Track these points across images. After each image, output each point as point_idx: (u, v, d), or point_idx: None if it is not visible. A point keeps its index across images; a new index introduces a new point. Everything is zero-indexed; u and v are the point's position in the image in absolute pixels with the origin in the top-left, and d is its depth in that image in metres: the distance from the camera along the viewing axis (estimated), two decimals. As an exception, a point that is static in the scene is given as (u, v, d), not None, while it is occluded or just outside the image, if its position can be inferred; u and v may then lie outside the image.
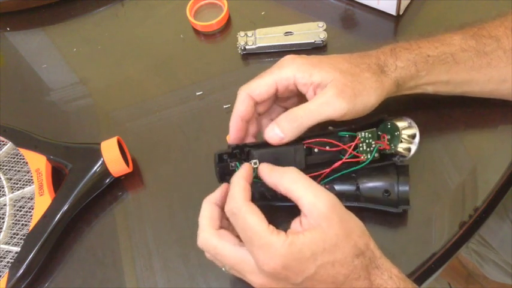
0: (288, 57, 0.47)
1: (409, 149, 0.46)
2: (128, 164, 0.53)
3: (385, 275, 0.39)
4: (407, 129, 0.46)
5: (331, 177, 0.47)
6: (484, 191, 0.49)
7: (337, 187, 0.48)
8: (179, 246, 0.50)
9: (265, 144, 0.46)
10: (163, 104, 0.60)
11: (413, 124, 0.46)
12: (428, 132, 0.53)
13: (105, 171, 0.52)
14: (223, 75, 0.61)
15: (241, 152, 0.46)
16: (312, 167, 0.46)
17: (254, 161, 0.45)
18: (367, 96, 0.45)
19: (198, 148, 0.56)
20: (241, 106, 0.46)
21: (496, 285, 0.96)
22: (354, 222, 0.40)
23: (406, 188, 0.46)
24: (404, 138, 0.46)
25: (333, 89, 0.44)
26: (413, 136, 0.46)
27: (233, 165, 0.46)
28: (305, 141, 0.46)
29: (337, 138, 0.47)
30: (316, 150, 0.47)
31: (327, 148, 0.47)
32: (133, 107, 0.61)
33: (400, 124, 0.46)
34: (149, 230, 0.52)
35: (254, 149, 0.46)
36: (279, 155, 0.46)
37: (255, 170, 0.44)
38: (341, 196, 0.47)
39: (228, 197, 0.42)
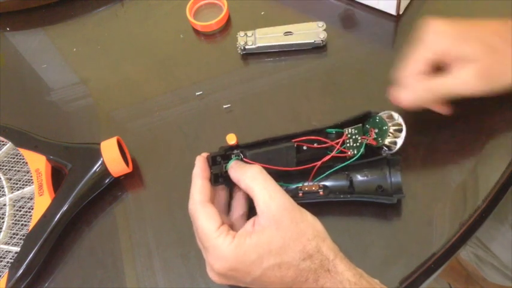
0: (440, 26, 0.46)
1: (395, 143, 0.47)
2: (127, 164, 0.53)
3: (336, 278, 0.39)
4: (394, 123, 0.47)
5: (323, 175, 0.48)
6: (484, 191, 0.49)
7: (330, 183, 0.48)
8: (179, 246, 0.50)
9: (257, 145, 0.47)
10: (163, 104, 0.60)
11: (400, 119, 0.47)
12: (428, 132, 0.53)
13: (104, 171, 0.52)
14: (223, 75, 0.61)
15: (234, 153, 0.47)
16: (302, 164, 0.47)
17: (236, 154, 0.46)
18: (510, 78, 0.44)
19: (198, 148, 0.56)
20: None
21: (495, 287, 0.96)
22: (307, 225, 0.40)
23: (398, 179, 0.47)
24: (391, 132, 0.47)
25: (474, 69, 0.44)
26: (399, 130, 0.47)
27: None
28: (294, 140, 0.47)
29: (325, 135, 0.48)
30: (304, 147, 0.48)
31: (315, 145, 0.48)
32: (133, 107, 0.61)
33: (388, 118, 0.47)
34: (149, 230, 0.52)
35: (247, 150, 0.46)
36: (271, 154, 0.46)
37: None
38: (335, 192, 0.48)
39: (189, 197, 0.44)
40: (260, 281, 0.40)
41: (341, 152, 0.48)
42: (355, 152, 0.47)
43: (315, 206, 0.46)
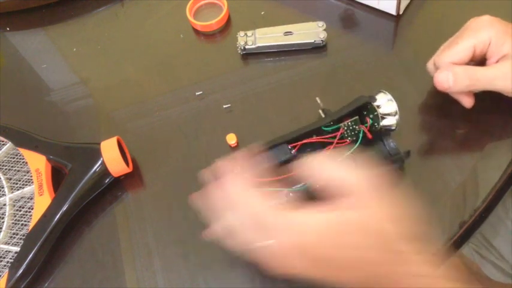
0: (487, 20, 0.48)
1: (393, 123, 0.48)
2: (127, 164, 0.53)
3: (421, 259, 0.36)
4: (387, 105, 0.48)
5: None
6: (484, 191, 0.49)
7: None
8: (179, 246, 0.50)
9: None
10: (163, 104, 0.60)
11: (392, 99, 0.48)
12: (428, 132, 0.53)
13: (104, 171, 0.52)
14: (223, 75, 0.61)
15: None
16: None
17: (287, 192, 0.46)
18: None
19: (198, 148, 0.56)
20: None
21: (498, 286, 0.96)
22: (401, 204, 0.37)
23: (390, 140, 0.48)
24: (385, 116, 0.48)
25: None
26: (394, 112, 0.48)
27: None
28: (292, 144, 0.48)
29: (321, 132, 0.49)
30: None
31: (314, 138, 0.48)
32: (133, 107, 0.61)
33: (379, 102, 0.48)
34: (149, 230, 0.52)
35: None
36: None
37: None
38: None
39: (246, 207, 0.39)
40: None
41: (339, 142, 0.49)
42: (354, 138, 0.48)
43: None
